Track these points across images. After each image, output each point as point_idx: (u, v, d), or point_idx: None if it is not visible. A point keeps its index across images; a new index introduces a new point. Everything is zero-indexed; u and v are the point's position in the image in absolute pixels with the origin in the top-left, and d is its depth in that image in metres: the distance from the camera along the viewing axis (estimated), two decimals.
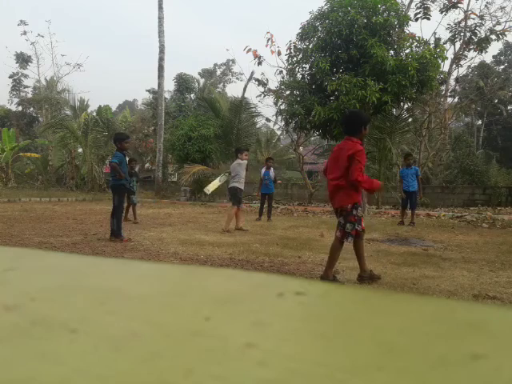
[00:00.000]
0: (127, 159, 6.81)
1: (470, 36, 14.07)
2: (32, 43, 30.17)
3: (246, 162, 7.75)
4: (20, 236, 6.33)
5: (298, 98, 11.37)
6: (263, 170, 9.78)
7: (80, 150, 22.59)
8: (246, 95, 17.94)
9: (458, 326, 0.31)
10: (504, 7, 17.50)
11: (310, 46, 11.19)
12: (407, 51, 10.88)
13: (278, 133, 26.03)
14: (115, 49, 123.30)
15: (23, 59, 32.43)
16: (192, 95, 27.57)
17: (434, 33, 15.51)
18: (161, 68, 18.32)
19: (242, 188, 7.68)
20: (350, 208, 3.70)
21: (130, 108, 33.49)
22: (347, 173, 3.63)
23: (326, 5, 11.08)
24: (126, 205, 8.77)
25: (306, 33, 11.27)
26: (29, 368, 0.26)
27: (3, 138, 23.79)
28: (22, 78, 33.73)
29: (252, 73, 17.76)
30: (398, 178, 10.34)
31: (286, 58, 11.90)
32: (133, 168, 9.23)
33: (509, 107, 32.78)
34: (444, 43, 14.10)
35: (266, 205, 9.72)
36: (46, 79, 31.07)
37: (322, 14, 11.01)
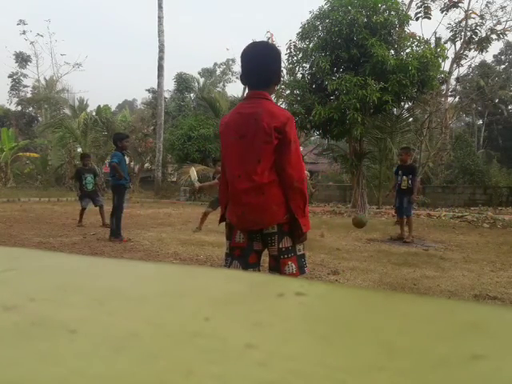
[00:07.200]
0: (126, 158, 6.75)
1: (471, 35, 14.06)
2: (31, 43, 30.24)
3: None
4: (19, 236, 6.33)
5: (298, 98, 11.37)
6: None
7: (79, 149, 22.58)
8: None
9: (459, 327, 0.31)
10: (505, 7, 17.42)
11: (311, 46, 11.18)
12: (408, 50, 10.87)
13: None
14: (115, 48, 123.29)
15: (22, 59, 32.47)
16: (192, 95, 27.55)
17: (435, 32, 15.48)
18: (160, 67, 18.31)
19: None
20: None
21: (129, 108, 33.49)
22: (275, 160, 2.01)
23: (326, 4, 11.08)
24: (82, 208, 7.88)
25: (306, 32, 11.27)
26: (28, 368, 0.26)
27: (2, 137, 23.80)
28: (22, 78, 33.80)
29: None
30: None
31: (286, 57, 11.89)
32: (86, 165, 8.30)
33: (510, 107, 32.77)
34: (445, 43, 14.10)
35: None
36: (45, 79, 31.13)
37: (323, 14, 11.01)
